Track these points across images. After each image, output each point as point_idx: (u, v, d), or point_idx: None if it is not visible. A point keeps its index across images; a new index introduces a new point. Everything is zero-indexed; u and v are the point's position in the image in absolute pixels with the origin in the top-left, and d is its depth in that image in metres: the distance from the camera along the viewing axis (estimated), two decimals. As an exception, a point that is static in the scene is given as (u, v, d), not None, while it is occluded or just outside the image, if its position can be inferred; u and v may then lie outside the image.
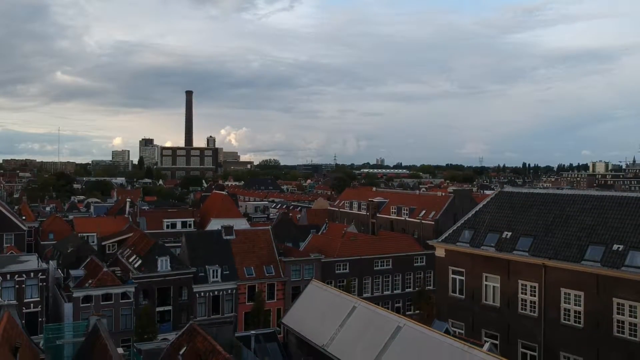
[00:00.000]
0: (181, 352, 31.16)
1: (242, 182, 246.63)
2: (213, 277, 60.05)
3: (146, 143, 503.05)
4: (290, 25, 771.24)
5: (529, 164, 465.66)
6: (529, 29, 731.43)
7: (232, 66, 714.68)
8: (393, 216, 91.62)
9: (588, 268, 32.23)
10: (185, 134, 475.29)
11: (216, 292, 60.08)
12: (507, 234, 37.88)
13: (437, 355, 24.59)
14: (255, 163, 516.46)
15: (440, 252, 41.74)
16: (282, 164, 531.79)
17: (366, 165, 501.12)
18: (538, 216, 37.28)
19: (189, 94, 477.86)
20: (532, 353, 34.95)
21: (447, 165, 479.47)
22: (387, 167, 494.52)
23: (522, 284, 35.85)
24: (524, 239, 36.58)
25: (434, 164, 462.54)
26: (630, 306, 30.42)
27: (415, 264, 71.32)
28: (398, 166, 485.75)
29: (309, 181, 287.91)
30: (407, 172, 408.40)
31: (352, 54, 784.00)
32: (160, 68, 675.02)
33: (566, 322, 33.34)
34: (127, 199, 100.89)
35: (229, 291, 60.69)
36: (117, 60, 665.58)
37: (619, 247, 31.87)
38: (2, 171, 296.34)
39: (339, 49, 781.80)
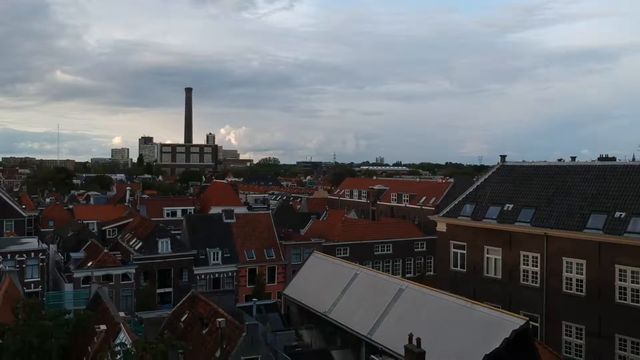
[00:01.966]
0: (183, 319, 31.11)
1: (242, 178, 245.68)
2: (213, 260, 60.07)
3: (145, 141, 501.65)
4: (290, 24, 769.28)
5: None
6: (528, 28, 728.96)
7: (231, 65, 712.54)
8: (393, 203, 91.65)
9: (590, 236, 32.27)
10: (185, 131, 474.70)
11: (217, 275, 60.11)
12: (508, 207, 37.89)
13: (441, 312, 24.55)
14: (254, 161, 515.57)
15: (441, 227, 41.74)
16: (281, 162, 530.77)
17: (366, 163, 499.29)
18: (540, 188, 37.31)
19: (188, 91, 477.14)
20: (534, 323, 34.83)
21: (446, 163, 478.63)
22: (387, 165, 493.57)
23: (524, 255, 35.87)
24: (526, 210, 36.61)
25: (434, 163, 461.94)
26: (632, 272, 30.46)
27: (415, 250, 71.27)
28: (397, 164, 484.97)
29: (308, 177, 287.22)
30: (407, 169, 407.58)
31: (352, 53, 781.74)
32: (160, 67, 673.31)
33: (568, 290, 33.37)
34: (127, 188, 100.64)
35: (230, 274, 60.70)
36: (117, 59, 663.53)
37: (621, 215, 31.90)
38: (1, 168, 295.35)
39: (338, 48, 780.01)
